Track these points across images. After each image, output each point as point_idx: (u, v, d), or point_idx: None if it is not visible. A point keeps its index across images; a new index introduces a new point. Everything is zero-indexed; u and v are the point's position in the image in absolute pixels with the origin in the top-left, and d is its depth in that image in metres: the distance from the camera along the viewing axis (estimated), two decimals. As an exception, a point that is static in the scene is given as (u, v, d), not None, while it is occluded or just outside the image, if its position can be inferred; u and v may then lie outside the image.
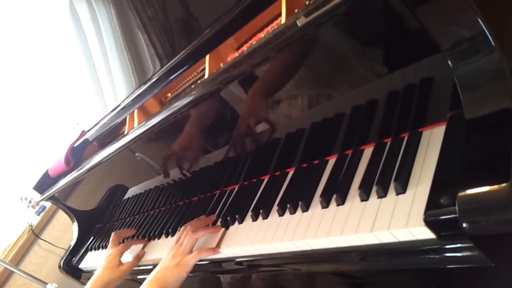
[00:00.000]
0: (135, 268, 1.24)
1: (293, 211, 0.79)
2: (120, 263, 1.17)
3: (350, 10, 0.62)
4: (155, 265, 0.97)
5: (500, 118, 0.52)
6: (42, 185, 1.63)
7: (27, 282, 2.24)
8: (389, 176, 0.66)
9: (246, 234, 0.86)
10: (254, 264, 0.86)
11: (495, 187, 0.47)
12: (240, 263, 0.89)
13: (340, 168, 0.77)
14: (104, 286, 1.12)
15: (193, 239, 0.96)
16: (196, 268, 0.98)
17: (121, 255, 1.19)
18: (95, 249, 1.57)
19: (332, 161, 0.81)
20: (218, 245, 0.92)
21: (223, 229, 0.95)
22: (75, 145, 1.52)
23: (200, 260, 0.96)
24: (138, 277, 1.24)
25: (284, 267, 0.81)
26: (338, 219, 0.69)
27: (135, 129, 1.12)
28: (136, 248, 1.24)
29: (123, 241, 1.28)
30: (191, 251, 0.95)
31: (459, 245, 0.54)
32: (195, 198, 1.18)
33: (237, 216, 0.92)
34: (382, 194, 0.64)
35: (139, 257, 1.19)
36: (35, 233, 2.46)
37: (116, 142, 1.19)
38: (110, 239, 1.25)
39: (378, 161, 0.70)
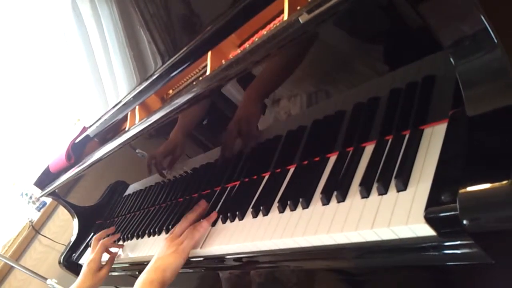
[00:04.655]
0: (137, 265, 1.25)
1: (293, 208, 0.79)
2: (100, 268, 1.25)
3: (353, 7, 0.62)
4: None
5: (502, 115, 0.52)
6: (43, 181, 1.63)
7: (27, 278, 2.25)
8: (390, 173, 0.66)
9: (247, 230, 0.86)
10: (253, 260, 0.86)
11: (496, 184, 0.47)
12: (239, 259, 0.89)
13: (341, 165, 0.77)
14: None
15: (185, 224, 0.97)
16: (195, 264, 0.98)
17: (100, 259, 1.27)
18: (95, 245, 1.57)
19: (333, 158, 0.81)
20: (208, 220, 0.97)
21: (214, 212, 0.99)
22: (76, 141, 1.52)
23: (200, 256, 0.96)
24: (137, 273, 1.24)
25: (284, 263, 0.81)
26: (339, 216, 0.69)
27: (136, 126, 1.12)
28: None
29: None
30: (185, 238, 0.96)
31: (459, 242, 0.54)
32: (196, 195, 1.18)
33: (237, 213, 0.92)
34: (383, 191, 0.64)
35: (112, 259, 1.28)
36: (36, 229, 2.47)
37: (117, 138, 1.19)
38: (91, 244, 1.33)
39: (379, 158, 0.70)
